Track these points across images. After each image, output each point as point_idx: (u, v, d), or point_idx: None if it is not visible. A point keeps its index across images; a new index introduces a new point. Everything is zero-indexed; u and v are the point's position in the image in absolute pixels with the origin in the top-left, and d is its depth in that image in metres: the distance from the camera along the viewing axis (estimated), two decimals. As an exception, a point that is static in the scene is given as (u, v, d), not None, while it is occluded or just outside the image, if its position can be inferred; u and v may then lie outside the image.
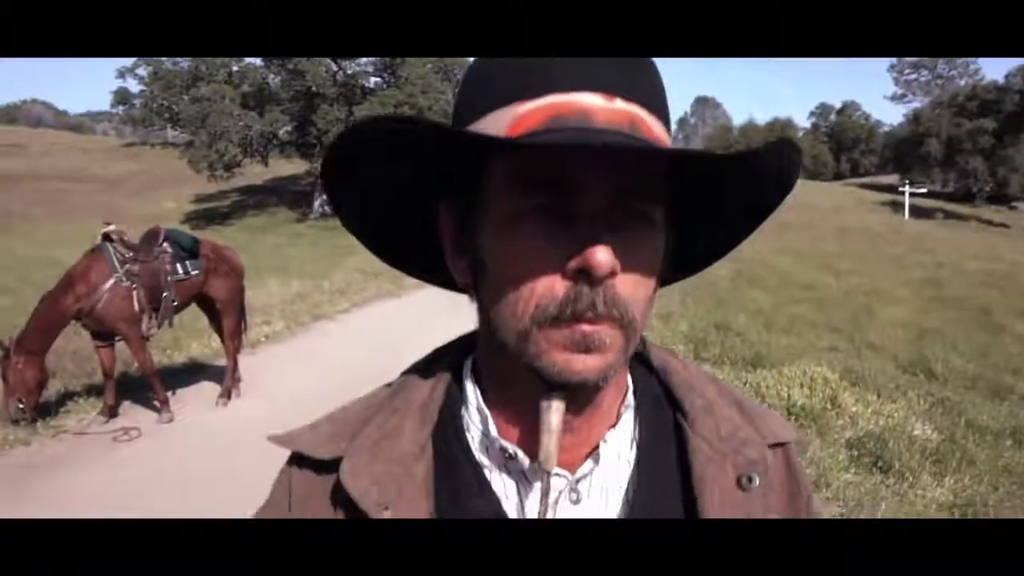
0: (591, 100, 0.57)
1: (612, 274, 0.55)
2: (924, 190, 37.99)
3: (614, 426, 0.66)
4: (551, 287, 0.56)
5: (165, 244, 6.17)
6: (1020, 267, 19.94)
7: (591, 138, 0.55)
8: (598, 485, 0.65)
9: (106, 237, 5.92)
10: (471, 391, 0.67)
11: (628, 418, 0.67)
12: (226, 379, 6.48)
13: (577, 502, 0.64)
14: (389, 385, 0.72)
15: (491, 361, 0.66)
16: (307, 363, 7.80)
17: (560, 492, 0.63)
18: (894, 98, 60.44)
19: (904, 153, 44.15)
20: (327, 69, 28.55)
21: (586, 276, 0.55)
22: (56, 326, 5.60)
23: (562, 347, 0.57)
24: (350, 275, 15.14)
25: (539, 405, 0.60)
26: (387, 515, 0.61)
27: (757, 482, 0.65)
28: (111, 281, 5.70)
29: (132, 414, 5.92)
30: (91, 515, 3.79)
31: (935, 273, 19.03)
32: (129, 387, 6.38)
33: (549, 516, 0.61)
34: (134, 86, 51.29)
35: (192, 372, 7.27)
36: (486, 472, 0.65)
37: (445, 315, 8.72)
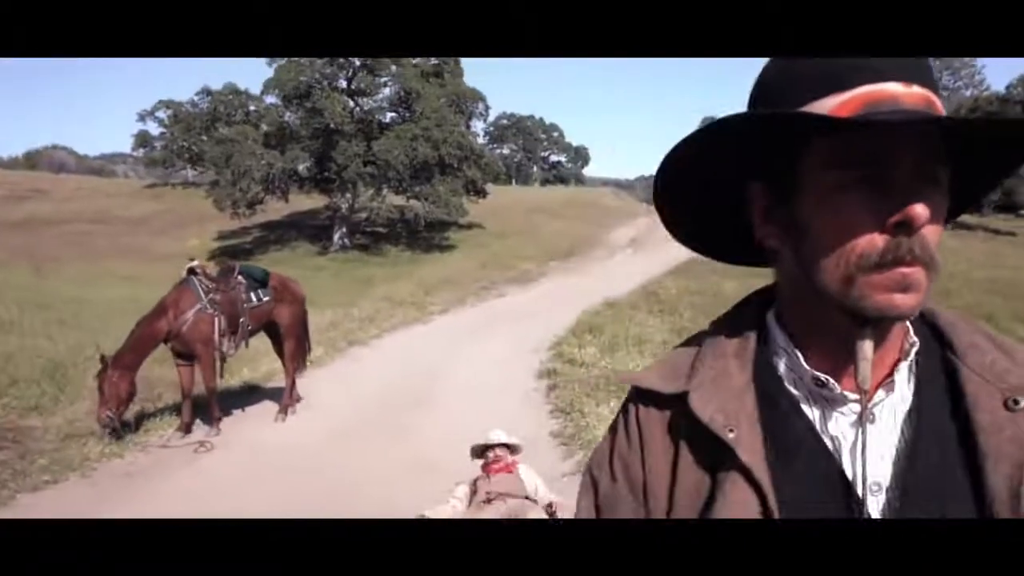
0: (895, 88, 0.68)
1: (924, 226, 0.67)
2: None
3: (903, 359, 0.77)
4: (872, 240, 0.68)
5: (240, 276, 6.92)
6: (1022, 273, 20.31)
7: (911, 117, 0.67)
8: (889, 408, 0.76)
9: (191, 271, 6.68)
10: (779, 336, 0.81)
11: (912, 354, 0.77)
12: (285, 397, 7.16)
13: (873, 422, 0.75)
14: (700, 337, 0.87)
15: (801, 308, 0.78)
16: (349, 384, 8.46)
17: (860, 412, 0.75)
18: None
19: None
20: (344, 107, 29.38)
21: (905, 228, 0.67)
22: (148, 346, 6.33)
23: (884, 288, 0.68)
24: (377, 303, 15.82)
25: (852, 340, 0.73)
26: (731, 436, 0.74)
27: (1023, 403, 0.73)
28: (196, 308, 6.45)
29: (201, 431, 6.59)
30: (183, 514, 4.46)
31: (946, 284, 19.46)
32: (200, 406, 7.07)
33: (855, 432, 0.75)
34: (154, 128, 52.84)
35: (248, 393, 7.95)
36: (798, 401, 0.78)
37: (465, 339, 9.60)
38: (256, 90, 40.22)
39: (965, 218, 39.07)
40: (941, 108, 0.71)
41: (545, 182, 66.27)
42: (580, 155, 71.59)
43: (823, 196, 0.71)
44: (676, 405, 0.80)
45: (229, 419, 6.78)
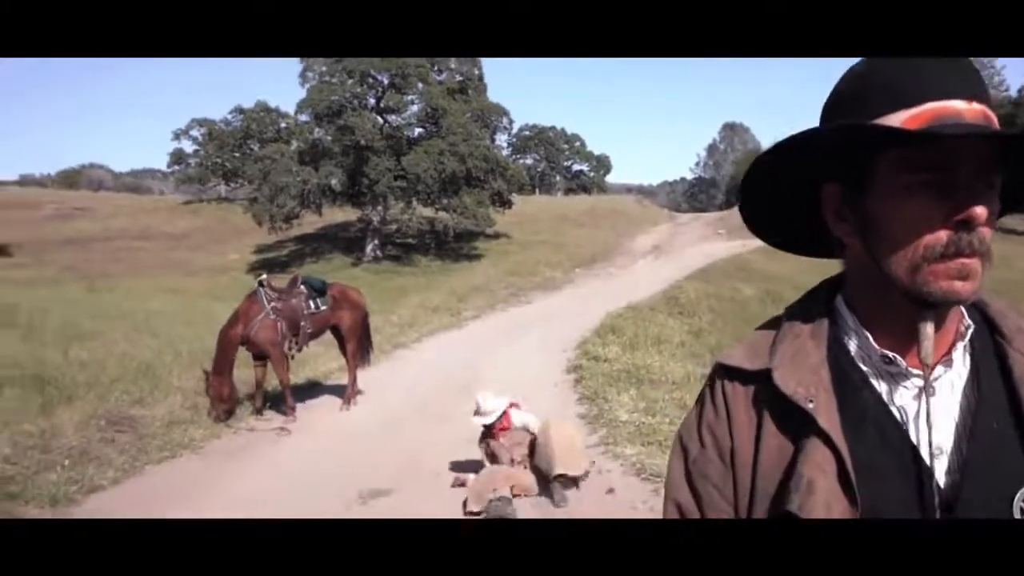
0: (959, 104, 0.79)
1: (983, 223, 0.78)
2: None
3: (960, 340, 0.87)
4: (937, 234, 0.79)
5: (302, 287, 8.06)
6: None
7: (973, 131, 0.78)
8: (948, 382, 0.86)
9: (260, 284, 7.85)
10: (849, 318, 0.91)
11: (967, 336, 0.88)
12: (348, 390, 8.28)
13: (933, 395, 0.84)
14: (777, 321, 0.97)
15: (869, 294, 0.89)
16: (398, 380, 9.55)
17: (926, 386, 0.84)
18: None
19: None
20: (374, 124, 30.63)
21: (966, 225, 0.78)
22: (230, 349, 7.48)
23: (946, 276, 0.79)
24: (413, 311, 16.92)
25: (914, 321, 0.84)
26: (811, 406, 0.84)
27: None
28: (261, 315, 7.60)
29: (278, 418, 7.71)
30: (272, 481, 5.57)
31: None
32: (272, 400, 8.21)
33: (918, 402, 0.85)
34: (188, 146, 54.57)
35: (313, 388, 9.08)
36: (868, 376, 0.88)
37: (498, 341, 10.80)
38: (285, 107, 41.67)
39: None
40: (996, 122, 0.81)
41: (568, 191, 67.23)
42: (602, 163, 72.50)
43: (894, 196, 0.81)
44: (759, 380, 0.90)
45: (302, 408, 7.89)
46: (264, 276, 8.26)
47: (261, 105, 48.24)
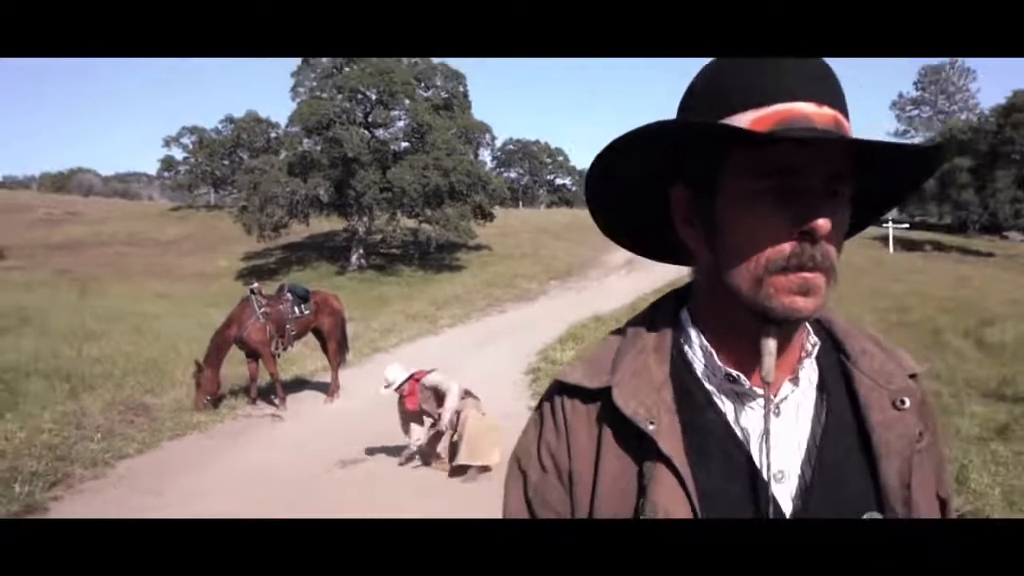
0: (807, 108, 0.76)
1: (826, 236, 0.75)
2: (906, 225, 40.49)
3: (806, 358, 0.85)
4: (780, 246, 0.75)
5: (288, 294, 9.29)
6: (983, 292, 22.24)
7: (820, 135, 0.75)
8: (793, 403, 0.84)
9: (252, 291, 9.06)
10: (694, 334, 0.87)
11: (814, 354, 0.86)
12: (332, 385, 9.50)
13: (778, 415, 0.83)
14: (620, 333, 0.91)
15: (715, 308, 0.85)
16: (376, 380, 10.73)
17: (768, 406, 0.81)
18: (896, 134, 62.01)
19: (900, 189, 46.63)
20: (361, 138, 31.85)
21: (809, 236, 0.75)
22: (224, 348, 8.66)
23: (787, 291, 0.76)
24: (394, 317, 18.14)
25: (759, 337, 0.80)
26: (652, 428, 0.79)
27: (908, 403, 0.84)
28: (252, 319, 8.80)
29: (271, 407, 8.90)
30: (268, 454, 6.78)
31: (905, 300, 21.48)
32: (263, 392, 9.40)
33: (763, 424, 0.80)
34: (178, 153, 55.53)
35: (300, 383, 10.28)
36: (712, 395, 0.84)
37: (470, 347, 12.23)
38: (275, 118, 42.70)
39: (941, 238, 41.21)
40: (849, 129, 0.78)
41: (551, 204, 68.84)
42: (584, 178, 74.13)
43: (738, 202, 0.78)
44: (599, 399, 0.85)
45: (291, 399, 9.09)
46: (256, 284, 9.55)
47: (251, 115, 49.36)
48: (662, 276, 25.65)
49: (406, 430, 6.42)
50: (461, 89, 35.15)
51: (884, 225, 37.55)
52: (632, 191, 0.88)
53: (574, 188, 73.65)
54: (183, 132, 54.13)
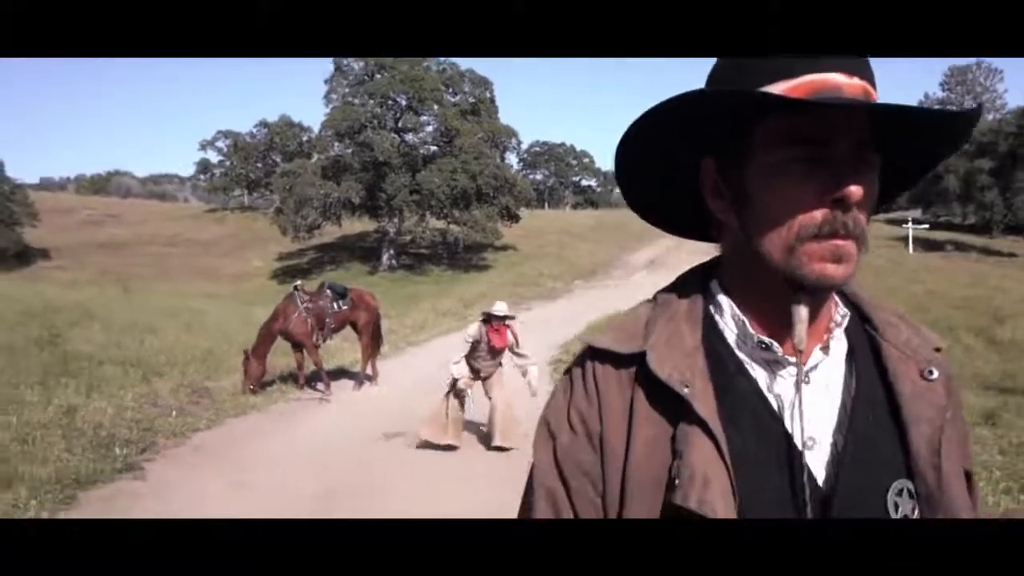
0: (838, 78, 0.77)
1: (858, 203, 0.76)
2: (926, 226, 40.70)
3: (838, 327, 0.86)
4: (812, 213, 0.76)
5: (328, 291, 10.26)
6: (999, 291, 22.56)
7: (853, 102, 0.76)
8: (824, 372, 0.85)
9: (295, 288, 10.06)
10: (725, 302, 0.88)
11: (843, 324, 0.87)
12: (360, 375, 10.48)
13: (808, 384, 0.83)
14: (650, 303, 0.92)
15: (746, 277, 0.86)
16: (411, 369, 11.68)
17: (799, 374, 0.81)
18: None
19: (924, 189, 46.73)
20: (392, 143, 32.93)
21: (841, 204, 0.75)
22: (269, 340, 9.64)
23: (819, 258, 0.77)
24: (425, 314, 19.13)
25: (789, 306, 0.81)
26: (687, 392, 0.80)
27: (936, 374, 0.84)
28: (296, 314, 9.77)
29: (317, 393, 9.87)
30: (319, 429, 7.71)
31: (922, 300, 21.89)
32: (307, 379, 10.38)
33: (794, 391, 0.82)
34: (212, 156, 57.07)
35: (341, 373, 11.26)
36: (743, 363, 0.85)
37: None
38: (307, 122, 43.71)
39: (963, 238, 41.26)
40: (876, 97, 0.79)
41: (576, 205, 69.65)
42: (610, 179, 74.95)
43: (769, 171, 0.78)
44: (631, 364, 0.85)
45: (334, 386, 10.05)
46: (299, 282, 10.55)
47: (285, 119, 50.75)
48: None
49: (460, 361, 7.09)
50: (488, 94, 36.10)
51: (904, 225, 37.84)
52: (660, 165, 0.89)
53: (599, 190, 74.43)
54: (218, 136, 55.72)
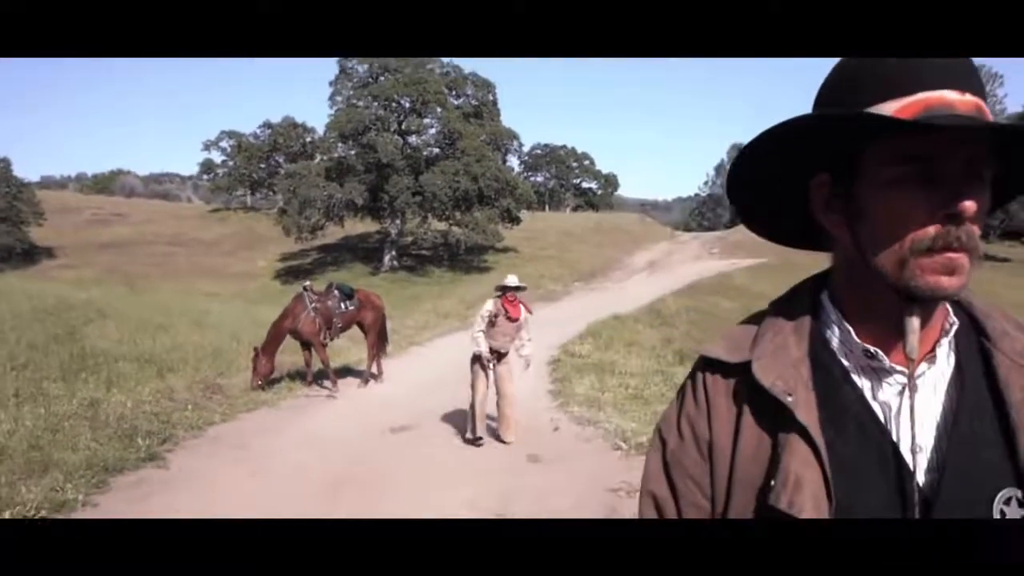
0: (951, 95, 0.78)
1: (971, 217, 0.77)
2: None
3: (944, 336, 0.87)
4: (925, 228, 0.78)
5: (335, 291, 10.66)
6: (991, 297, 23.03)
7: (967, 122, 0.77)
8: (931, 380, 0.86)
9: (304, 288, 10.46)
10: (833, 313, 0.91)
11: (951, 333, 0.87)
12: (366, 373, 10.87)
13: (916, 392, 0.83)
14: (762, 314, 0.97)
15: (855, 288, 0.88)
16: (415, 368, 12.08)
17: (910, 382, 0.83)
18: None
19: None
20: (395, 145, 33.35)
21: (954, 219, 0.77)
22: (279, 338, 10.04)
23: (932, 271, 0.78)
24: (427, 315, 19.53)
25: (899, 316, 0.83)
26: (790, 400, 0.83)
27: None
28: (305, 313, 10.17)
29: (324, 390, 10.27)
30: (328, 423, 8.10)
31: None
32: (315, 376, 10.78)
33: (899, 399, 0.84)
34: (216, 156, 57.45)
35: (347, 371, 11.66)
36: (849, 371, 0.87)
37: None
38: (311, 123, 44.04)
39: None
40: (989, 115, 0.81)
41: (576, 208, 70.08)
42: (610, 182, 75.37)
43: (883, 187, 0.81)
44: (739, 373, 0.90)
45: (341, 383, 10.46)
46: (308, 283, 10.94)
47: (288, 120, 51.17)
48: (681, 278, 26.86)
49: (480, 335, 7.38)
50: (490, 97, 36.55)
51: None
52: (771, 181, 0.92)
53: (599, 192, 74.88)
54: (221, 136, 56.13)
